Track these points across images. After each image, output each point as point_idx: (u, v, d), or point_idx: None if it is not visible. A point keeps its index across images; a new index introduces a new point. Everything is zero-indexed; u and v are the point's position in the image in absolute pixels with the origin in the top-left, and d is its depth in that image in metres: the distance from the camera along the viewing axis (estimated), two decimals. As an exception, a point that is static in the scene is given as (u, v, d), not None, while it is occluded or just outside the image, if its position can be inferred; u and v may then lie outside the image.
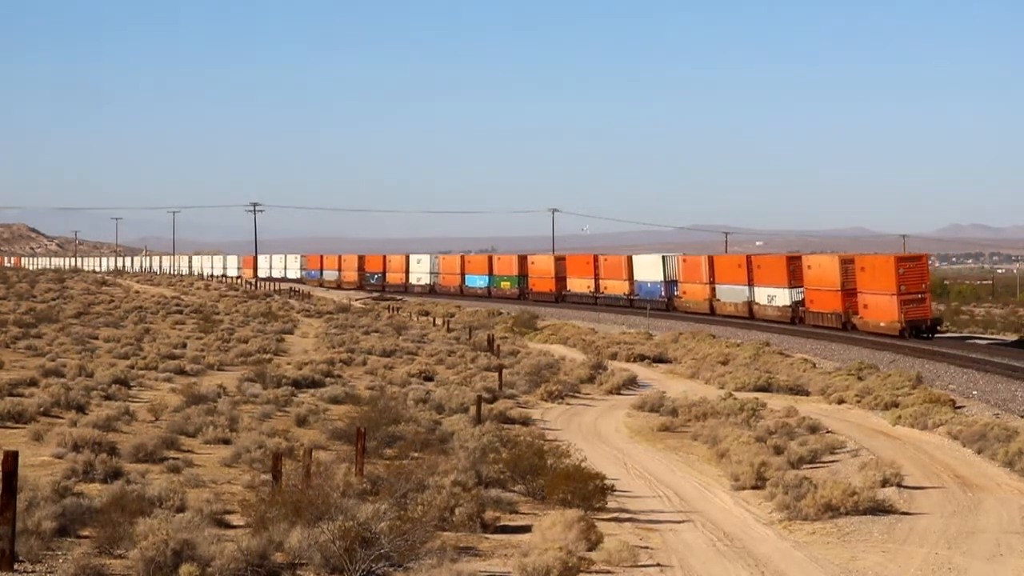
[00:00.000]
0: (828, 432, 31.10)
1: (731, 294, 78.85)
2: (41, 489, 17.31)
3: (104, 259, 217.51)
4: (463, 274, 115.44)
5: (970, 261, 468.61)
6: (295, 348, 53.34)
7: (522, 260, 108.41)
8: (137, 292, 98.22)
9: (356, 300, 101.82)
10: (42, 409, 27.58)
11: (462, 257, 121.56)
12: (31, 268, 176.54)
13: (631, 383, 45.15)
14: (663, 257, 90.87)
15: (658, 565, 17.17)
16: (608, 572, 16.51)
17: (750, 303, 76.39)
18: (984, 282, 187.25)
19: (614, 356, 56.05)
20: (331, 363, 43.89)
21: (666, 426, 33.59)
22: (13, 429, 25.53)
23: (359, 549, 14.87)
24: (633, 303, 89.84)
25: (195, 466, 22.05)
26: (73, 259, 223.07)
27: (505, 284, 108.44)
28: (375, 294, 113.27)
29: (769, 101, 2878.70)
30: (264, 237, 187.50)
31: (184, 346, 48.98)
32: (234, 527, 17.13)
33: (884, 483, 22.94)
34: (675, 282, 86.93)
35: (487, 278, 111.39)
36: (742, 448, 27.01)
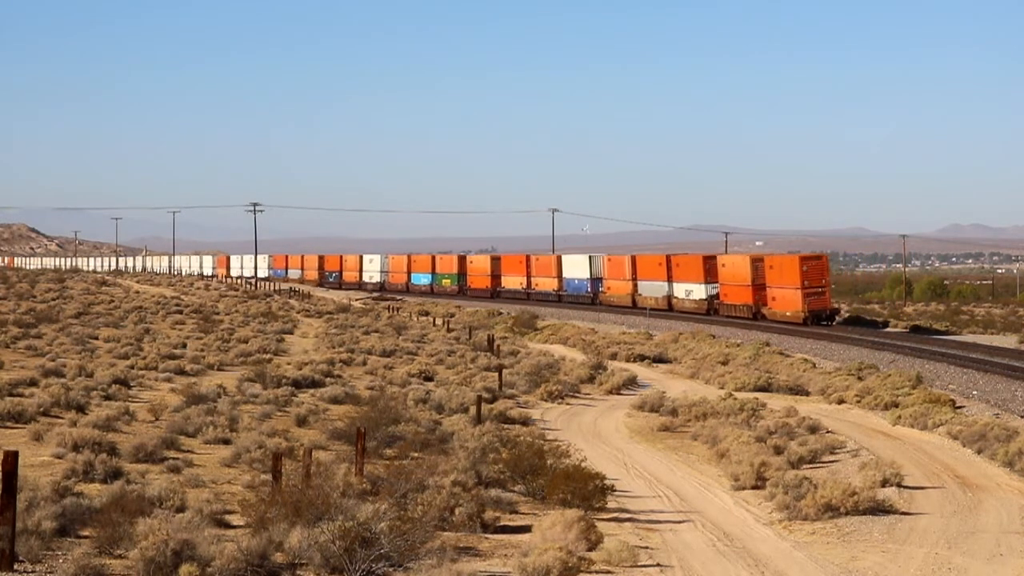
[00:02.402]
0: (828, 432, 31.09)
1: (652, 289, 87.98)
2: (41, 489, 17.30)
3: (93, 259, 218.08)
4: (409, 272, 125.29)
5: (970, 261, 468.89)
6: (295, 348, 53.30)
7: (461, 260, 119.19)
8: (137, 292, 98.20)
9: (356, 300, 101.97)
10: (42, 409, 27.55)
11: (409, 257, 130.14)
12: (28, 268, 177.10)
13: (631, 383, 45.15)
14: (590, 257, 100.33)
15: (658, 565, 17.16)
16: (608, 572, 16.51)
17: (669, 297, 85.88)
18: (984, 282, 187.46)
19: (614, 356, 56.05)
20: (331, 363, 43.86)
21: (666, 426, 33.58)
22: (13, 429, 25.51)
23: (359, 549, 14.86)
24: (561, 298, 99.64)
25: (195, 466, 22.04)
26: (72, 259, 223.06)
27: (446, 282, 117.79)
28: (375, 294, 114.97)
29: (769, 100, 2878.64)
30: (264, 237, 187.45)
31: (184, 346, 48.95)
32: (234, 527, 17.12)
33: (884, 483, 22.93)
34: (600, 279, 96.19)
35: (430, 276, 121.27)
36: (742, 448, 27.01)
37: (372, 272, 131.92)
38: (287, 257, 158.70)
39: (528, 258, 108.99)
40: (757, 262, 77.31)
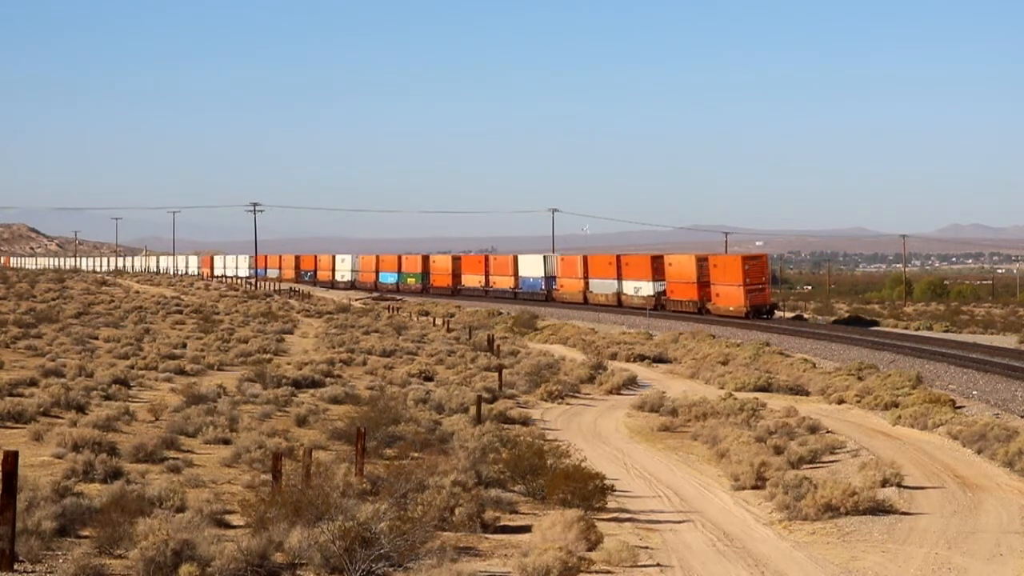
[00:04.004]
0: (828, 432, 31.09)
1: (602, 287, 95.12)
2: (41, 489, 17.30)
3: (92, 259, 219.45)
4: (377, 271, 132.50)
5: (970, 261, 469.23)
6: (295, 348, 53.31)
7: (425, 259, 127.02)
8: (137, 292, 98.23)
9: (356, 300, 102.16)
10: (42, 409, 27.56)
11: (377, 257, 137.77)
12: (26, 268, 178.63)
13: (631, 383, 45.14)
14: (544, 256, 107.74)
15: (658, 565, 17.16)
16: (608, 572, 16.51)
17: (618, 294, 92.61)
18: (984, 282, 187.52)
19: (614, 356, 56.04)
20: (331, 363, 43.87)
21: (666, 426, 33.58)
22: (13, 429, 25.52)
23: (359, 549, 14.86)
24: (517, 295, 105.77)
25: (195, 466, 22.05)
26: (73, 259, 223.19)
27: (411, 280, 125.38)
28: (375, 294, 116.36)
29: (769, 100, 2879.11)
30: (264, 237, 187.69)
31: (184, 346, 48.94)
32: (234, 527, 17.12)
33: (884, 483, 22.93)
34: (554, 277, 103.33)
35: (396, 275, 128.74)
36: (742, 448, 27.00)
37: (344, 271, 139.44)
38: (266, 257, 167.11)
39: (487, 258, 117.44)
40: (702, 261, 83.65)
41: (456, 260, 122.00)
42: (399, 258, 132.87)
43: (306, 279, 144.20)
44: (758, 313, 77.59)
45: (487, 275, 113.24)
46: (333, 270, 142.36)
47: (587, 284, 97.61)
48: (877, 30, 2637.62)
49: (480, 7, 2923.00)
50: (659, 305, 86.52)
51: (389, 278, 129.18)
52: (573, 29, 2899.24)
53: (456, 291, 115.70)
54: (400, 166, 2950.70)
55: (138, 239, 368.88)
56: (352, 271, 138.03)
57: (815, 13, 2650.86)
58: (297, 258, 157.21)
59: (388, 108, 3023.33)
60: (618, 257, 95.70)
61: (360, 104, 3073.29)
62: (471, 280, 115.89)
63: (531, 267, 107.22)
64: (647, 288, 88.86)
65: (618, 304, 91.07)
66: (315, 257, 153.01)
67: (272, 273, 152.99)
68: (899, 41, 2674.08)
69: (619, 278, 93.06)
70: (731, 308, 78.72)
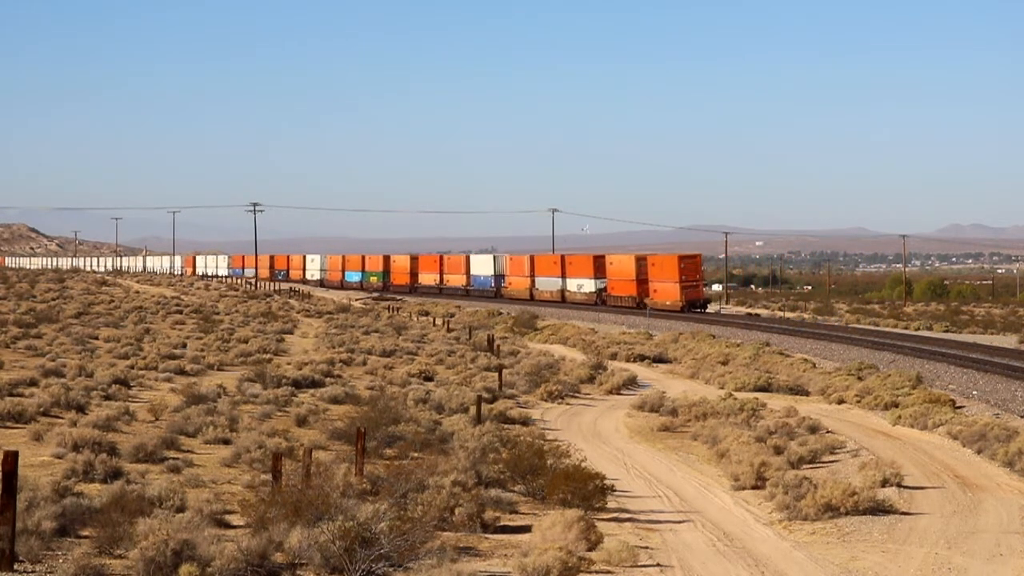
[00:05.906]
0: (828, 432, 31.08)
1: (547, 284, 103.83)
2: (41, 489, 17.31)
3: (91, 259, 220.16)
4: (343, 270, 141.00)
5: (970, 261, 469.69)
6: (295, 348, 53.30)
7: (386, 259, 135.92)
8: (137, 292, 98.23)
9: (356, 300, 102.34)
10: (42, 409, 27.56)
11: (343, 257, 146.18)
12: (23, 268, 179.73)
13: (631, 383, 45.12)
14: (494, 256, 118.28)
15: (658, 565, 17.17)
16: (608, 572, 16.51)
17: (562, 291, 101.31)
18: (984, 282, 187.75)
19: (614, 356, 56.03)
20: (331, 363, 43.85)
21: (666, 426, 33.57)
22: (13, 429, 25.53)
23: (359, 549, 14.87)
24: (469, 292, 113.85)
25: (195, 466, 22.05)
26: (72, 259, 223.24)
27: (373, 278, 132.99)
28: (375, 294, 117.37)
29: (769, 101, 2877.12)
30: (264, 237, 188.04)
31: (184, 346, 48.94)
32: (234, 527, 17.13)
33: (884, 483, 22.92)
34: (503, 276, 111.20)
35: (361, 274, 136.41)
36: (742, 448, 27.00)
37: (313, 270, 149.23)
38: (243, 257, 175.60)
39: (441, 258, 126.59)
40: (641, 260, 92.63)
41: (414, 260, 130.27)
42: (363, 258, 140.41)
43: (279, 278, 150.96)
44: (692, 307, 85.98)
45: (442, 274, 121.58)
46: (304, 269, 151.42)
47: (533, 282, 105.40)
48: (877, 30, 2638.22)
49: (480, 7, 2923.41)
50: (600, 301, 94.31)
51: (354, 276, 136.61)
52: (573, 29, 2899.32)
53: (413, 288, 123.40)
54: (400, 166, 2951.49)
55: (138, 239, 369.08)
56: (321, 270, 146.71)
57: (816, 13, 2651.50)
58: (271, 258, 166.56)
59: (388, 108, 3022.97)
60: (563, 257, 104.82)
61: (360, 104, 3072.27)
62: (427, 278, 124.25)
63: (482, 266, 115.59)
64: (589, 285, 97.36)
65: (562, 300, 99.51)
66: (287, 257, 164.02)
67: (249, 272, 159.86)
68: (899, 41, 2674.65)
69: (563, 276, 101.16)
70: (668, 303, 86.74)
